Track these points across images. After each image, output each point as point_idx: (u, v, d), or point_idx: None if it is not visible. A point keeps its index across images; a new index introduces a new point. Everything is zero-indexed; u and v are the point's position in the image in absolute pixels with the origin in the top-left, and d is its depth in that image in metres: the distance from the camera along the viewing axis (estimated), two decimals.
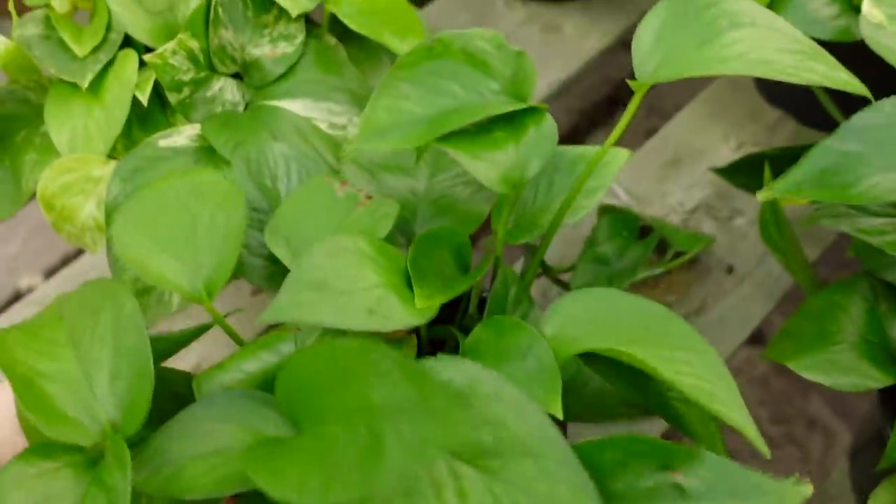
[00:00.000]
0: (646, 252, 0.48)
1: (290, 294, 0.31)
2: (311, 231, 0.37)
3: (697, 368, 0.31)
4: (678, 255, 0.52)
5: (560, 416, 0.28)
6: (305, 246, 0.36)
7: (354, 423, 0.26)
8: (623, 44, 0.71)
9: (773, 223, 0.49)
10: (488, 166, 0.35)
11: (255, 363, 0.33)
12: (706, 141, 0.62)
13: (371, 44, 0.50)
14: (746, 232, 0.58)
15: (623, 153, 0.41)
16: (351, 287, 0.32)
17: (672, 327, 0.32)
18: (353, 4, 0.45)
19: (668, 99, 0.81)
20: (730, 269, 0.56)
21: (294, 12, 0.44)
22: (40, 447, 0.30)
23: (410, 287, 0.34)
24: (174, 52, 0.42)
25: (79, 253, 1.48)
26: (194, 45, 0.42)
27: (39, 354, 0.30)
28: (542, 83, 0.66)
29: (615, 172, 0.41)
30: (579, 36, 0.69)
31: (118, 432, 0.29)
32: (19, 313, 0.60)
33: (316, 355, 0.28)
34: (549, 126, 0.36)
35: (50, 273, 1.57)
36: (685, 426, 0.33)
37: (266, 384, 0.33)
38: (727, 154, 0.62)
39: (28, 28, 0.45)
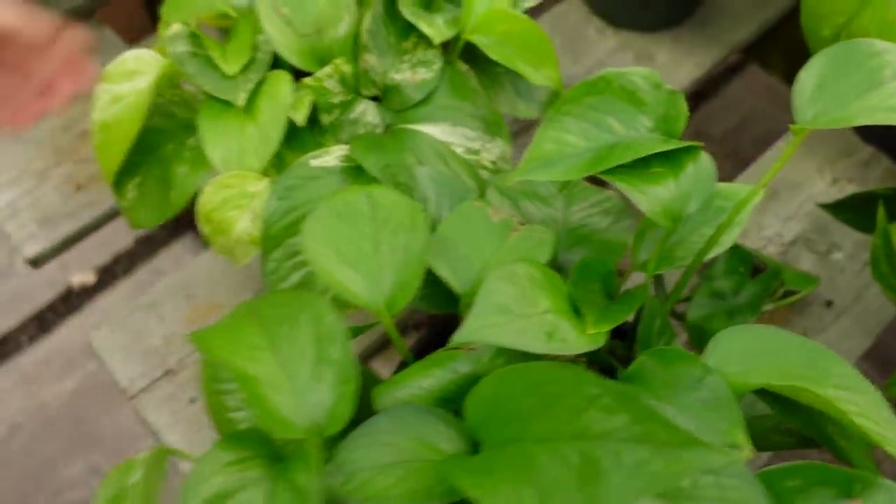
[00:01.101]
0: (765, 290, 0.49)
1: (478, 318, 0.32)
2: (472, 254, 0.38)
3: (862, 406, 0.32)
4: (788, 294, 0.54)
5: (747, 446, 0.30)
6: (468, 269, 0.38)
7: (563, 446, 0.27)
8: (710, 77, 0.73)
9: (886, 261, 0.50)
10: (650, 200, 0.36)
11: (430, 380, 0.34)
12: (802, 174, 0.63)
13: (495, 71, 0.52)
14: (844, 266, 0.59)
15: (758, 192, 0.42)
16: (529, 311, 0.34)
17: (833, 365, 0.34)
18: (491, 34, 0.47)
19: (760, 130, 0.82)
20: (828, 304, 0.57)
21: (437, 40, 0.46)
22: (235, 437, 0.31)
23: (575, 313, 0.35)
24: (329, 76, 0.43)
25: (129, 252, 1.50)
26: (347, 69, 0.44)
27: (245, 359, 0.32)
28: None
29: (750, 210, 0.42)
30: (673, 65, 0.71)
31: (319, 434, 0.31)
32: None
33: (515, 376, 0.30)
34: (706, 163, 0.38)
35: (102, 271, 1.59)
36: (845, 458, 0.34)
37: (439, 401, 0.34)
38: (823, 188, 0.63)
39: (178, 45, 0.47)
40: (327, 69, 0.43)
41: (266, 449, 0.31)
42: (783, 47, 0.79)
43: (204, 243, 0.52)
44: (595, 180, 0.43)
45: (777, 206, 0.62)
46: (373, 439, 0.32)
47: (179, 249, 1.51)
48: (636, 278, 0.59)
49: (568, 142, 0.38)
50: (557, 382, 0.28)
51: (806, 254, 0.60)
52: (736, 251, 0.52)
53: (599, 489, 0.26)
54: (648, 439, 0.26)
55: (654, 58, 0.71)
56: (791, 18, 0.77)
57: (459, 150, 0.46)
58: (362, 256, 0.35)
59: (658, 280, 0.48)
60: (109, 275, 1.53)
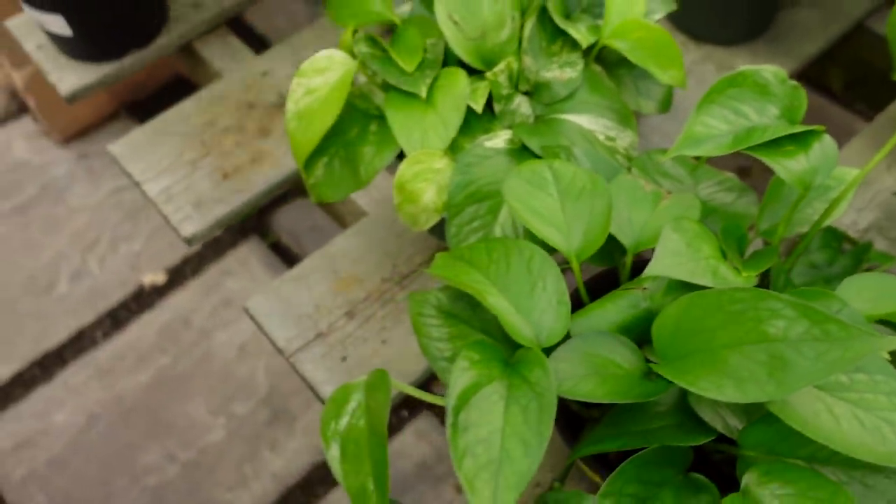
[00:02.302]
0: (857, 262, 0.57)
1: (660, 259, 0.41)
2: (633, 217, 0.46)
3: None
4: (869, 269, 0.61)
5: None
6: (630, 229, 0.46)
7: (750, 348, 0.35)
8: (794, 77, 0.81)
9: None
10: (787, 170, 0.44)
11: (613, 313, 0.42)
12: (873, 171, 0.72)
13: (619, 72, 0.60)
14: None
15: (864, 173, 0.50)
16: (696, 256, 0.42)
17: None
18: (628, 39, 0.55)
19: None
20: None
21: (584, 44, 0.55)
22: (474, 345, 0.39)
23: (725, 258, 0.43)
24: (502, 72, 0.52)
25: (197, 254, 1.58)
26: (514, 67, 0.53)
27: (478, 292, 0.40)
28: None
29: (853, 189, 0.50)
30: None
31: (540, 345, 0.39)
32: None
33: (698, 300, 0.38)
34: (829, 144, 0.46)
35: (172, 272, 1.68)
36: None
37: (620, 330, 0.42)
38: (891, 182, 0.71)
39: (362, 47, 0.55)
40: (501, 66, 0.52)
41: (497, 355, 0.39)
42: (840, 65, 0.87)
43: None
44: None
45: (852, 198, 0.70)
46: (573, 355, 0.40)
47: (245, 251, 1.60)
48: (755, 245, 0.67)
49: (713, 125, 0.46)
50: (739, 301, 0.36)
51: (879, 239, 0.68)
52: (829, 229, 0.60)
53: (787, 375, 0.34)
54: (826, 337, 0.34)
55: (734, 68, 0.80)
56: (849, 38, 0.85)
57: (600, 138, 0.54)
58: (553, 214, 0.44)
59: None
60: (179, 275, 1.62)
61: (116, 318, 1.55)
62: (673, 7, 0.60)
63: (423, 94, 0.52)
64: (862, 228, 0.68)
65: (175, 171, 0.75)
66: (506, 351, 0.40)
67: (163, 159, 0.76)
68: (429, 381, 0.65)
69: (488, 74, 0.52)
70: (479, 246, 0.43)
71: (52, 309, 1.56)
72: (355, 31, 0.57)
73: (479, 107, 0.51)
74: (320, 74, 0.55)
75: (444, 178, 0.51)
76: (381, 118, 0.55)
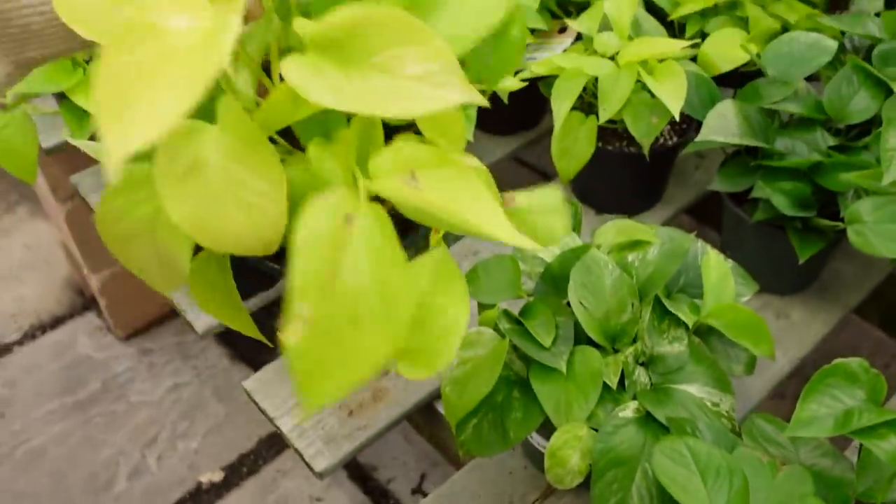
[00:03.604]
0: None
1: None
2: (757, 488, 0.55)
3: None
4: None
5: None
6: (756, 499, 0.55)
7: None
8: (841, 326, 0.92)
9: None
10: (881, 451, 0.54)
11: None
12: None
13: (711, 341, 0.71)
14: None
15: None
16: None
17: None
18: (723, 319, 0.67)
19: None
20: None
21: (690, 323, 0.66)
22: None
23: None
24: (630, 353, 0.63)
25: (252, 452, 1.64)
26: (639, 348, 0.64)
27: None
28: (784, 360, 0.86)
29: None
30: (805, 323, 0.91)
31: None
32: None
33: None
34: None
35: (229, 470, 1.73)
36: None
37: None
38: None
39: (504, 324, 0.66)
40: (630, 349, 0.63)
41: None
42: (883, 303, 0.99)
43: None
44: None
45: None
46: None
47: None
48: None
49: (815, 410, 0.56)
50: None
51: None
52: None
53: None
54: None
55: (790, 316, 0.92)
56: (888, 281, 0.98)
57: (708, 404, 0.64)
58: (697, 491, 0.53)
59: None
60: (236, 474, 1.67)
61: None
62: (756, 289, 0.72)
63: (563, 369, 0.63)
64: None
65: None
66: None
67: (292, 396, 0.85)
68: None
69: (619, 355, 0.63)
70: None
71: None
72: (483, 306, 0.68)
73: (613, 383, 0.62)
74: (471, 347, 0.66)
75: (585, 444, 0.60)
76: (521, 384, 0.65)
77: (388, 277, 0.31)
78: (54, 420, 1.72)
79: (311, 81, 0.29)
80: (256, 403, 0.85)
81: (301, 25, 0.32)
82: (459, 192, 0.32)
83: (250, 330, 0.47)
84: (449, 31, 0.35)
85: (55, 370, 1.80)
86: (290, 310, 0.30)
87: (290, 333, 0.29)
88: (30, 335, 1.86)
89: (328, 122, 0.37)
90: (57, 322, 1.90)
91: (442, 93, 0.29)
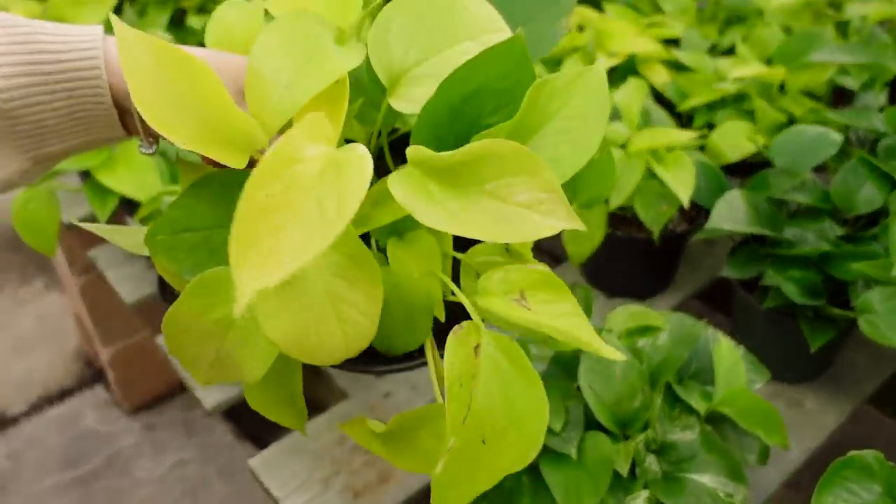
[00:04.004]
0: None
1: None
2: None
3: None
4: None
5: None
6: None
7: None
8: (855, 416, 0.91)
9: None
10: None
11: None
12: None
13: (723, 429, 0.71)
14: None
15: None
16: None
17: None
18: (735, 407, 0.66)
19: None
20: None
21: (701, 411, 0.65)
22: None
23: None
24: (641, 441, 0.62)
25: None
26: (650, 436, 0.63)
27: None
28: (797, 450, 0.85)
29: None
30: (819, 412, 0.90)
31: None
32: None
33: None
34: None
35: None
36: None
37: None
38: None
39: None
40: (641, 436, 0.62)
41: None
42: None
43: None
44: None
45: None
46: None
47: None
48: None
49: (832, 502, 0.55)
50: None
51: None
52: None
53: None
54: None
55: (804, 405, 0.91)
56: None
57: (721, 495, 0.63)
58: None
59: None
60: None
61: None
62: (768, 377, 0.72)
63: (574, 455, 0.62)
64: None
65: (309, 489, 0.83)
66: None
67: (297, 476, 0.84)
68: None
69: (629, 443, 0.62)
70: None
71: None
72: None
73: (624, 471, 0.61)
74: None
75: None
76: (530, 470, 0.64)
77: (516, 397, 0.35)
78: (56, 495, 1.69)
79: (422, 204, 0.31)
80: (261, 483, 0.84)
81: (415, 151, 0.33)
82: (561, 311, 0.35)
83: (300, 427, 0.48)
84: (548, 156, 0.37)
85: (59, 444, 1.78)
86: (443, 446, 0.33)
87: (439, 463, 0.33)
88: (36, 407, 1.85)
89: (405, 225, 0.39)
90: (64, 394, 1.90)
91: (549, 221, 0.31)
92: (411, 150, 0.34)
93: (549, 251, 1.47)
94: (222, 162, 0.35)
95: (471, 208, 0.31)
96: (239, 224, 0.27)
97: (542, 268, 0.37)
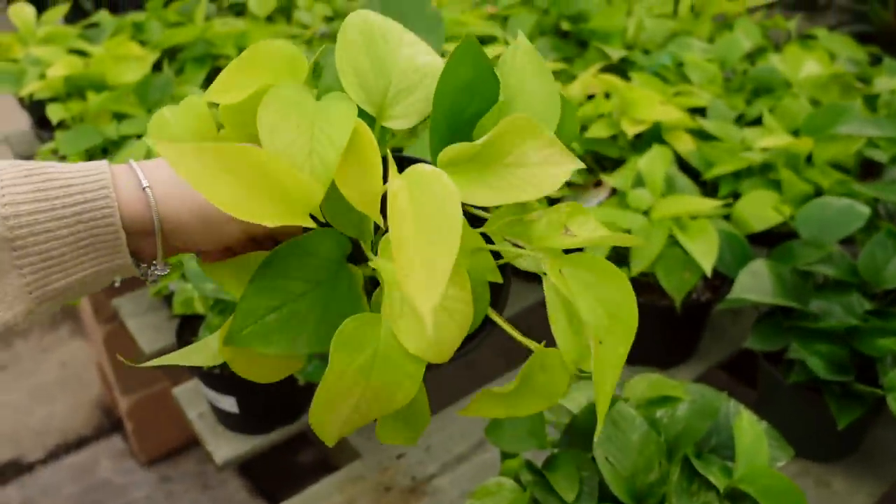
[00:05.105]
0: None
1: None
2: None
3: None
4: None
5: None
6: None
7: None
8: (886, 498, 0.87)
9: None
10: None
11: None
12: None
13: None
14: None
15: None
16: None
17: None
18: (756, 485, 0.64)
19: None
20: None
21: (721, 488, 0.63)
22: None
23: None
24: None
25: None
26: None
27: None
28: None
29: None
30: (847, 493, 0.86)
31: None
32: None
33: None
34: None
35: None
36: None
37: None
38: None
39: (525, 474, 0.64)
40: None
41: None
42: None
43: None
44: None
45: None
46: None
47: None
48: None
49: None
50: None
51: None
52: None
53: None
54: None
55: (831, 485, 0.87)
56: None
57: None
58: None
59: None
60: None
61: None
62: (792, 455, 0.69)
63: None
64: None
65: None
66: None
67: None
68: None
69: None
70: None
71: None
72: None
73: None
74: (490, 498, 0.63)
75: None
76: None
77: (608, 296, 0.45)
78: None
79: (469, 186, 0.39)
80: None
81: (445, 153, 0.41)
82: (593, 227, 0.44)
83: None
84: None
85: (74, 493, 1.77)
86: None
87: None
88: (53, 454, 1.84)
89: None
90: (82, 443, 1.89)
91: (562, 168, 0.39)
92: (444, 153, 0.41)
93: None
94: (298, 224, 0.39)
95: (502, 181, 0.39)
96: (399, 258, 0.35)
97: (566, 203, 0.44)
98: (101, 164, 0.43)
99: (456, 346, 0.42)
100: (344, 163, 0.40)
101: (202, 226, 0.43)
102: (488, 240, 0.46)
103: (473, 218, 0.47)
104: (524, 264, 0.48)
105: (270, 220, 0.38)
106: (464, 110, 0.43)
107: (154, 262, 0.45)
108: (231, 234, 0.45)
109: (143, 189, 0.42)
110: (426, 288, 0.33)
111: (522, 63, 0.46)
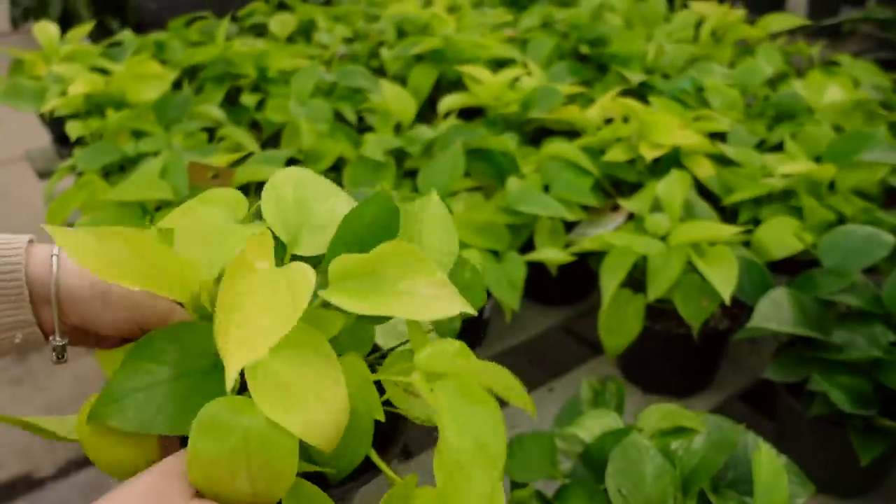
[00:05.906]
0: None
1: None
2: None
3: None
4: None
5: None
6: None
7: None
8: None
9: None
10: None
11: None
12: None
13: None
14: None
15: None
16: None
17: None
18: None
19: None
20: None
21: None
22: None
23: None
24: None
25: None
26: None
27: None
28: None
29: None
30: None
31: None
32: None
33: None
34: None
35: None
36: None
37: None
38: None
39: None
40: None
41: None
42: None
43: None
44: None
45: None
46: None
47: None
48: None
49: None
50: None
51: None
52: None
53: None
54: None
55: None
56: None
57: None
58: None
59: None
60: None
61: None
62: (813, 491, 0.67)
63: None
64: None
65: None
66: None
67: None
68: None
69: None
70: None
71: None
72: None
73: None
74: None
75: None
76: None
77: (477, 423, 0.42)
78: None
79: (351, 304, 0.41)
80: None
81: (335, 263, 0.43)
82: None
83: None
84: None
85: None
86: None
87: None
88: (64, 471, 1.84)
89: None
90: None
91: (450, 305, 0.41)
92: (334, 263, 0.43)
93: (586, 339, 1.43)
94: (170, 296, 0.42)
95: (394, 300, 0.41)
96: (219, 318, 0.36)
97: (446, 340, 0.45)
98: (25, 237, 0.47)
99: (337, 432, 0.40)
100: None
101: (100, 304, 0.46)
102: (381, 390, 0.46)
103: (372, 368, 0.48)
104: (414, 412, 0.47)
105: (155, 289, 0.41)
106: (363, 241, 0.46)
107: (54, 334, 0.47)
108: (127, 320, 0.47)
109: (52, 256, 0.46)
110: (241, 345, 0.35)
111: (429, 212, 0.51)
